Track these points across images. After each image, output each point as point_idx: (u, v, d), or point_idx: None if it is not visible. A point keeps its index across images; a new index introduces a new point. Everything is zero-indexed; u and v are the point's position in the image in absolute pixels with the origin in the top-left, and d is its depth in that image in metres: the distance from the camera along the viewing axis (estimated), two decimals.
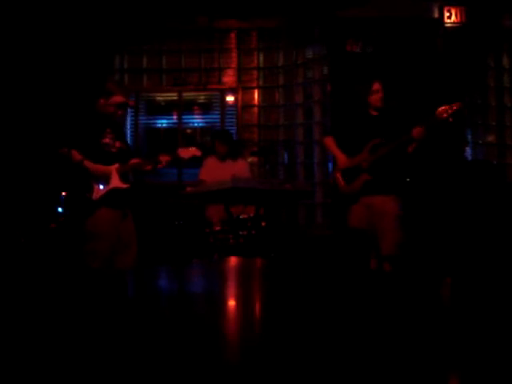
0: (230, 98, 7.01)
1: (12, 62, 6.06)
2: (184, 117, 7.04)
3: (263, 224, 4.47)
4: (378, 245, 3.91)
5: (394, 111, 4.10)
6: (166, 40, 6.97)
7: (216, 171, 5.08)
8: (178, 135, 6.98)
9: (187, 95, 7.07)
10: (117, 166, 3.86)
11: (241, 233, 4.35)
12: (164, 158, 4.01)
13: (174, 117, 7.04)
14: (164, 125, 7.03)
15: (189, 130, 7.13)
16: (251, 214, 4.57)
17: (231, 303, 1.31)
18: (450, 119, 3.66)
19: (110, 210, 3.83)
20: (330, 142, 4.24)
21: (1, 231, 5.04)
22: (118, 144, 3.96)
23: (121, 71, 7.03)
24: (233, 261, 3.78)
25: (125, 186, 3.89)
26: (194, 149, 4.04)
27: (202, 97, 7.17)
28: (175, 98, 7.02)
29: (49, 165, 5.83)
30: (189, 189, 4.66)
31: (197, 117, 7.13)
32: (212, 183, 4.49)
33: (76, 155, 3.78)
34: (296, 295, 1.40)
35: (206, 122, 7.11)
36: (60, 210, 5.23)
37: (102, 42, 6.58)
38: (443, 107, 3.68)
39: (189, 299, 1.38)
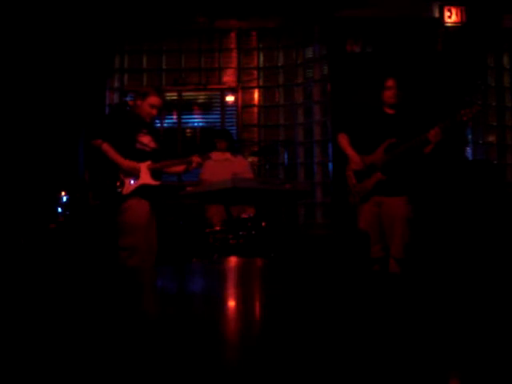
0: (229, 98, 7.02)
1: (11, 63, 6.06)
2: (184, 117, 7.04)
3: (263, 224, 4.46)
4: (385, 244, 3.90)
5: (410, 111, 4.05)
6: (166, 40, 6.98)
7: (217, 169, 5.08)
8: (178, 135, 6.98)
9: (187, 95, 7.07)
10: (148, 163, 3.91)
11: (241, 233, 4.34)
12: (196, 159, 4.05)
13: (174, 117, 7.04)
14: (164, 124, 7.03)
15: (188, 130, 7.13)
16: (251, 214, 4.57)
17: (231, 303, 1.31)
18: (470, 123, 3.63)
19: (143, 201, 3.86)
20: (343, 139, 4.12)
21: (1, 231, 5.04)
22: (152, 145, 4.00)
23: (121, 71, 7.03)
24: (233, 261, 3.78)
25: (155, 182, 3.92)
26: (227, 153, 4.18)
27: (202, 97, 7.17)
28: (175, 97, 7.02)
29: (49, 164, 5.82)
30: (189, 189, 4.66)
31: (197, 117, 7.13)
32: (212, 183, 4.49)
33: (107, 147, 3.80)
34: (296, 295, 1.40)
35: (205, 122, 7.11)
36: (60, 210, 5.23)
37: (102, 41, 6.59)
38: (464, 110, 3.62)
39: (188, 299, 1.38)
